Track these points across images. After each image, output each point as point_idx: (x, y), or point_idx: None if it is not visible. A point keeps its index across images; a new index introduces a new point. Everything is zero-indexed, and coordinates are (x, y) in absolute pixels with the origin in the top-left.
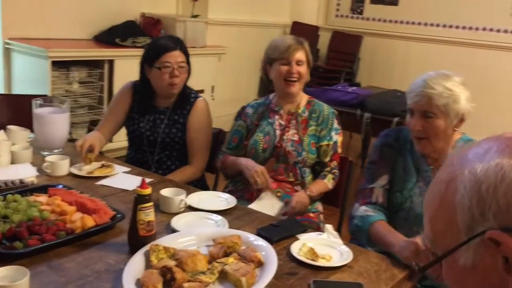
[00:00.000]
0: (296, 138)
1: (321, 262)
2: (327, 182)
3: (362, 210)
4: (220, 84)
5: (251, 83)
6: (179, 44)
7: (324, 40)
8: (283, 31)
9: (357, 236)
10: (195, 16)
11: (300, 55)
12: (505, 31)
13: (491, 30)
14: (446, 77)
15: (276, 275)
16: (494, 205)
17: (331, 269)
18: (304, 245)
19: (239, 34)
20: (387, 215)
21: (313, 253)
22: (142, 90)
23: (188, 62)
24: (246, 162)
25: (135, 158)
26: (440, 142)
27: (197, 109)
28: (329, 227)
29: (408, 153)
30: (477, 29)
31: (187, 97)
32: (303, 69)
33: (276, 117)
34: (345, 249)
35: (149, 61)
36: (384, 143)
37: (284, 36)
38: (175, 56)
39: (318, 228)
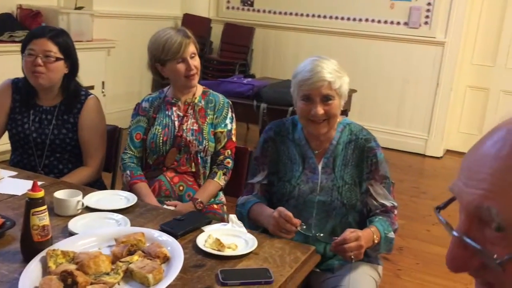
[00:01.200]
0: (196, 127)
1: (227, 252)
2: (218, 181)
3: (243, 198)
4: (111, 79)
5: (144, 77)
6: (51, 33)
7: (216, 32)
8: (175, 23)
9: (243, 223)
10: (79, 8)
11: (191, 48)
12: (385, 22)
13: (373, 21)
14: (331, 62)
15: (183, 268)
16: None
17: (238, 257)
18: (210, 236)
19: (129, 27)
20: (278, 206)
21: (219, 243)
22: (23, 85)
23: (68, 55)
24: (151, 205)
25: (21, 163)
26: (336, 123)
27: (89, 107)
28: (233, 217)
29: (291, 143)
30: (360, 20)
31: (77, 95)
32: (197, 60)
33: (174, 108)
34: (250, 237)
35: (22, 50)
36: (266, 138)
37: (166, 32)
38: (41, 44)
39: (223, 219)
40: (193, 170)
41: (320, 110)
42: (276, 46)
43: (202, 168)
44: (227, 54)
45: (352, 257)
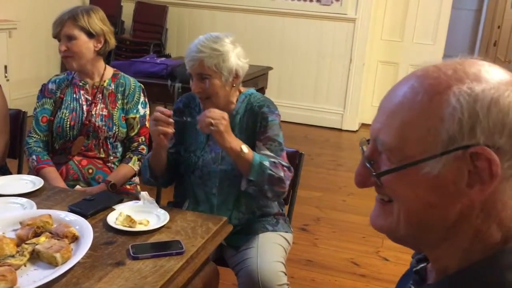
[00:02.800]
0: (105, 112)
1: (139, 227)
2: (132, 166)
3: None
4: (14, 63)
5: (51, 60)
6: None
7: (128, 12)
8: (82, 2)
9: (144, 173)
10: None
11: (67, 29)
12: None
13: None
14: (215, 39)
15: (93, 246)
16: (485, 122)
17: (150, 232)
18: (121, 214)
19: (32, 5)
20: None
21: (130, 220)
22: None
23: None
24: (59, 188)
25: None
26: (221, 99)
27: None
28: (144, 194)
29: (197, 115)
30: None
31: None
32: (76, 44)
33: (82, 92)
34: (162, 212)
35: None
36: (175, 109)
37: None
38: None
39: (137, 199)
40: (102, 155)
41: (196, 88)
42: (191, 25)
43: (112, 154)
44: (140, 34)
45: (212, 123)
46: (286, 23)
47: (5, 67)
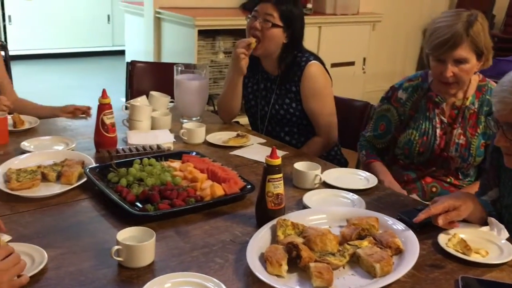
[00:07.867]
0: (462, 141)
1: (474, 257)
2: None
3: None
4: (372, 55)
5: (408, 55)
6: None
7: (501, 5)
8: None
9: None
10: None
11: (461, 51)
12: None
13: None
14: None
15: (417, 265)
16: None
17: (486, 266)
18: (455, 235)
19: None
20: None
21: (464, 245)
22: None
23: (289, 24)
24: (392, 190)
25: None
26: None
27: (309, 74)
28: (493, 219)
29: None
30: None
31: (297, 62)
32: (465, 68)
33: (437, 111)
34: (507, 244)
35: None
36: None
37: (443, 17)
38: (265, 7)
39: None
40: (449, 181)
41: (500, 141)
42: None
43: (461, 181)
44: None
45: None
46: None
47: (364, 59)
